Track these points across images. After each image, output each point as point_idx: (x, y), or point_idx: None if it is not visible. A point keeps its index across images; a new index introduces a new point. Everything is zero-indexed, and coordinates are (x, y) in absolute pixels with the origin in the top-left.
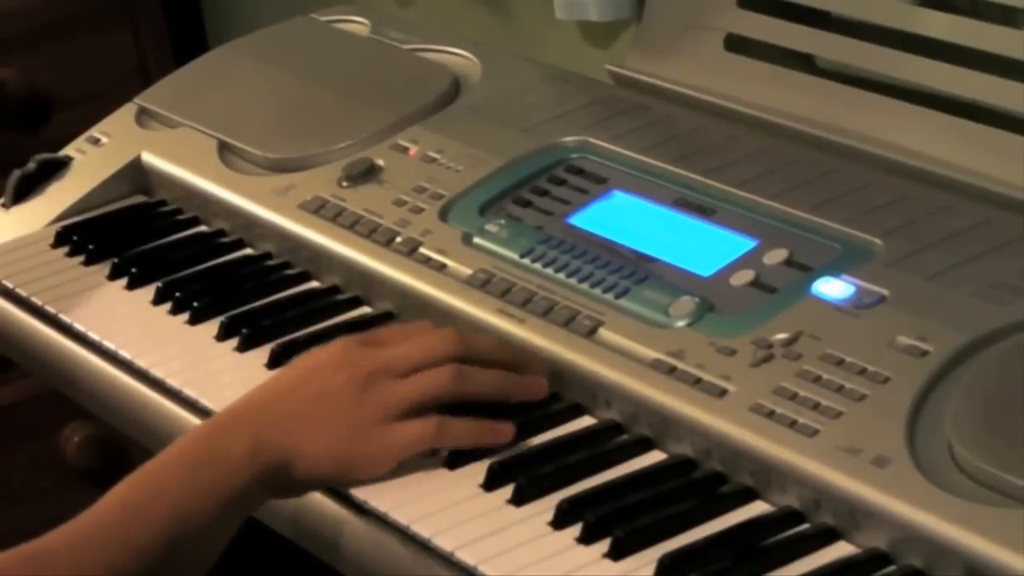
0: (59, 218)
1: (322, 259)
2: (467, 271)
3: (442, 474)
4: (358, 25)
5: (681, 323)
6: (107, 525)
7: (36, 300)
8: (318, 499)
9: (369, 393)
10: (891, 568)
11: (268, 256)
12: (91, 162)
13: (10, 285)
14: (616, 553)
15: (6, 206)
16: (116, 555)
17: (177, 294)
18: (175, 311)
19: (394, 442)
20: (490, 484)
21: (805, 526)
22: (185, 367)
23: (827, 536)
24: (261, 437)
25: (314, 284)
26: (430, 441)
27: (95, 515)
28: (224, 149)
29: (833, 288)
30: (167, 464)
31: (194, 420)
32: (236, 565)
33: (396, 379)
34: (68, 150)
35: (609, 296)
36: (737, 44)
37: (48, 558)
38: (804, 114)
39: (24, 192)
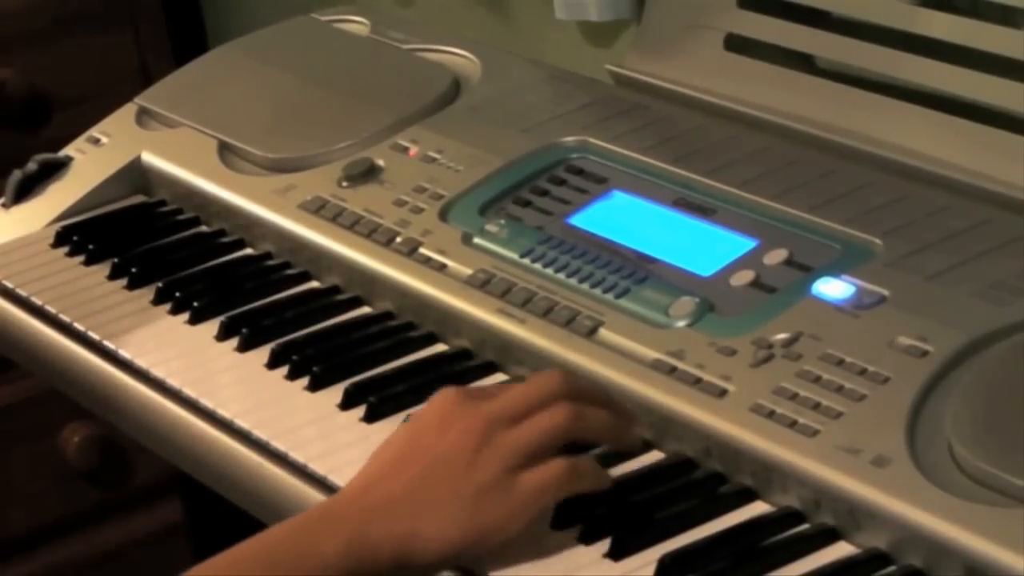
0: (59, 218)
1: (322, 259)
2: (467, 271)
3: None
4: (358, 25)
5: (681, 323)
6: None
7: (36, 300)
8: (319, 498)
9: (485, 449)
10: (891, 568)
11: (268, 256)
12: (91, 162)
13: (10, 285)
14: (616, 553)
15: (6, 206)
16: None
17: (177, 294)
18: (175, 311)
19: (524, 495)
20: None
21: (805, 526)
22: (185, 367)
23: (827, 536)
24: (363, 533)
25: (314, 284)
26: (564, 487)
27: None
28: (224, 149)
29: (833, 288)
30: (251, 556)
31: (194, 420)
32: None
33: (510, 427)
34: (68, 150)
35: (609, 296)
36: (737, 44)
37: None
38: (804, 114)
39: (24, 192)
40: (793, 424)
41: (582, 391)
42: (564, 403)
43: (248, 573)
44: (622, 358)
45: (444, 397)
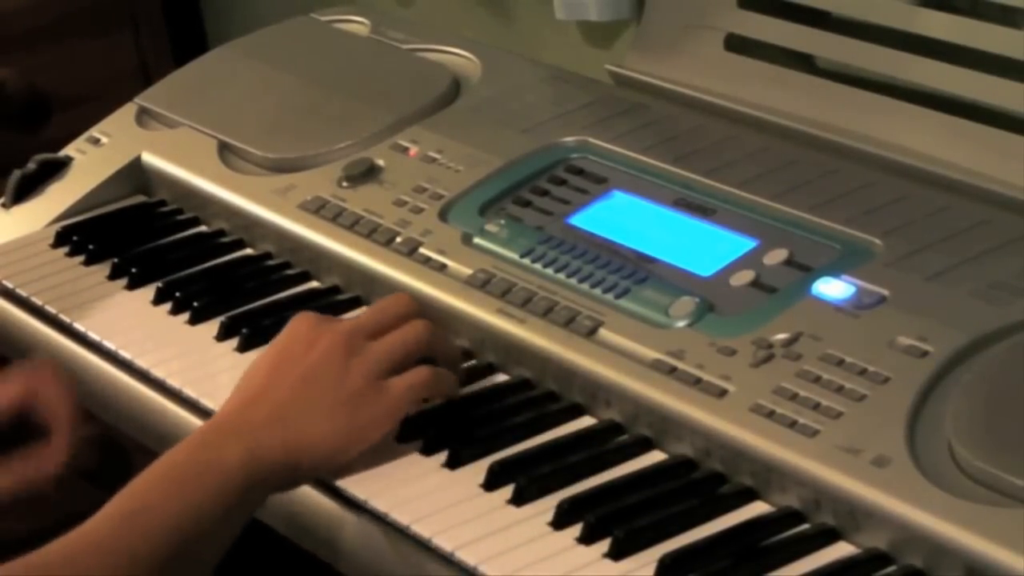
0: (59, 218)
1: (322, 259)
2: (467, 271)
3: (442, 474)
4: (358, 25)
5: (681, 323)
6: (104, 539)
7: (36, 300)
8: (317, 498)
9: (352, 360)
10: (891, 568)
11: (268, 256)
12: (91, 162)
13: (10, 285)
14: (616, 553)
15: (6, 206)
16: (115, 568)
17: (177, 294)
18: (175, 311)
19: (393, 398)
20: (490, 484)
21: (805, 526)
22: (185, 367)
23: (827, 536)
24: (256, 442)
25: (314, 284)
26: (428, 388)
27: (92, 529)
28: (224, 149)
29: (833, 288)
30: (157, 479)
31: (194, 420)
32: (236, 565)
33: (371, 339)
34: (68, 150)
35: (609, 296)
36: (737, 44)
37: (49, 571)
38: (804, 114)
39: (24, 192)
40: (793, 424)
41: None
42: (418, 320)
43: (161, 493)
44: (622, 358)
45: (301, 319)
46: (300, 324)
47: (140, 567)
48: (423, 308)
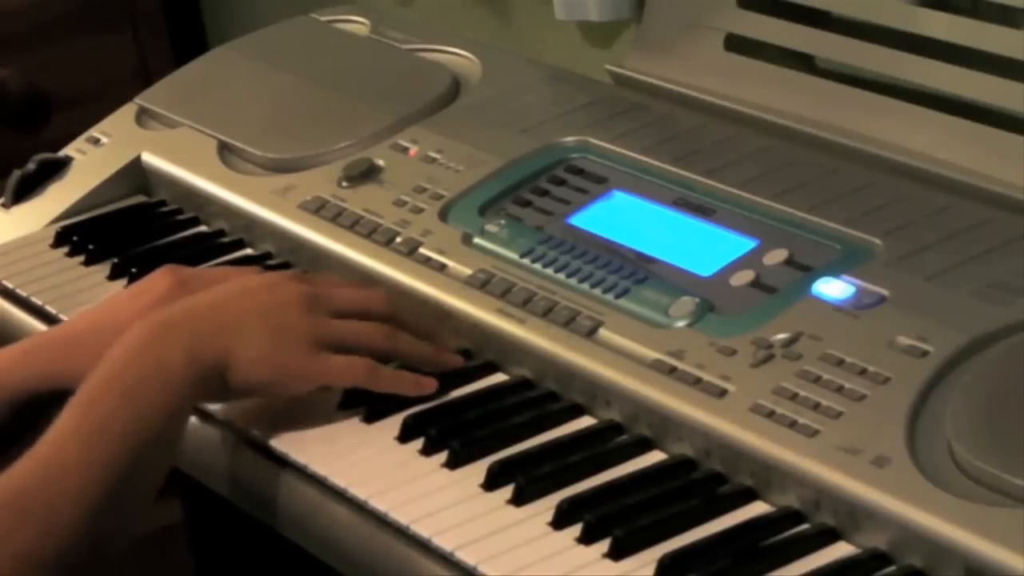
0: (59, 218)
1: (322, 259)
2: (467, 271)
3: (443, 474)
4: (358, 25)
5: (681, 323)
6: (73, 454)
7: (36, 300)
8: (318, 498)
9: (310, 315)
10: (891, 568)
11: (268, 256)
12: (91, 162)
13: (10, 285)
14: (616, 553)
15: (6, 206)
16: (89, 483)
17: None
18: None
19: (326, 367)
20: (490, 484)
21: (805, 526)
22: None
23: (827, 536)
24: (197, 345)
25: None
26: (360, 379)
27: (59, 444)
28: (224, 149)
29: (833, 288)
30: (111, 384)
31: (192, 420)
32: (238, 564)
33: (333, 316)
34: (68, 150)
35: (609, 296)
36: (737, 44)
37: (25, 496)
38: (804, 114)
39: (24, 192)
40: (793, 424)
41: (399, 316)
42: (384, 325)
43: (117, 398)
44: (622, 358)
45: (276, 274)
46: (280, 273)
47: (110, 477)
48: (425, 311)
